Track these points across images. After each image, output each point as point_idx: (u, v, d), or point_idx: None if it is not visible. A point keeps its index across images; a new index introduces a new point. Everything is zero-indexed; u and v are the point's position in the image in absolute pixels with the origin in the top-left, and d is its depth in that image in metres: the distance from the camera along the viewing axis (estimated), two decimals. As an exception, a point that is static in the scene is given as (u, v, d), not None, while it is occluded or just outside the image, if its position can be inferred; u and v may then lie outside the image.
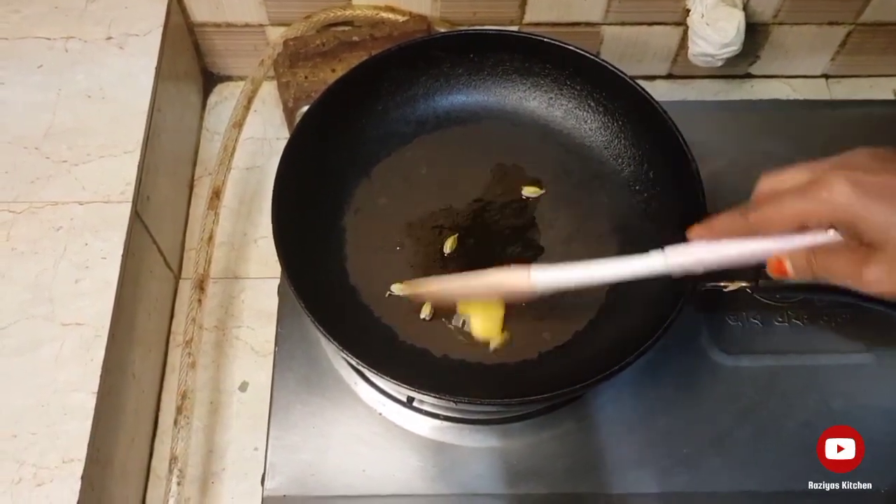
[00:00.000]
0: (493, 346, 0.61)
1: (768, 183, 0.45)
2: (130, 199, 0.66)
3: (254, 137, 0.85)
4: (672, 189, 0.62)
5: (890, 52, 0.88)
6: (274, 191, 0.60)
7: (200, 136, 0.86)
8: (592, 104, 0.68)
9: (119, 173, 0.67)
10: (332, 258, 0.64)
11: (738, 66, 0.88)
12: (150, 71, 0.73)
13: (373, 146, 0.69)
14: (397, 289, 0.63)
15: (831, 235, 0.42)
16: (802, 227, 0.43)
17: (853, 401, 0.63)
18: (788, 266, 0.44)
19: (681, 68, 0.88)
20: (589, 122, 0.69)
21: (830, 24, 0.83)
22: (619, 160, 0.68)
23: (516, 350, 0.61)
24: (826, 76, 0.91)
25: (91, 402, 0.58)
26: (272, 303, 0.69)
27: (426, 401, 0.60)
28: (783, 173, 0.44)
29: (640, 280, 0.62)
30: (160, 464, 0.70)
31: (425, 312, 0.62)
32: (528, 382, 0.59)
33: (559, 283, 0.53)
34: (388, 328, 0.62)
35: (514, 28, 0.82)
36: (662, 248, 0.49)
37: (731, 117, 0.76)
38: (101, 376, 0.59)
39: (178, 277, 0.78)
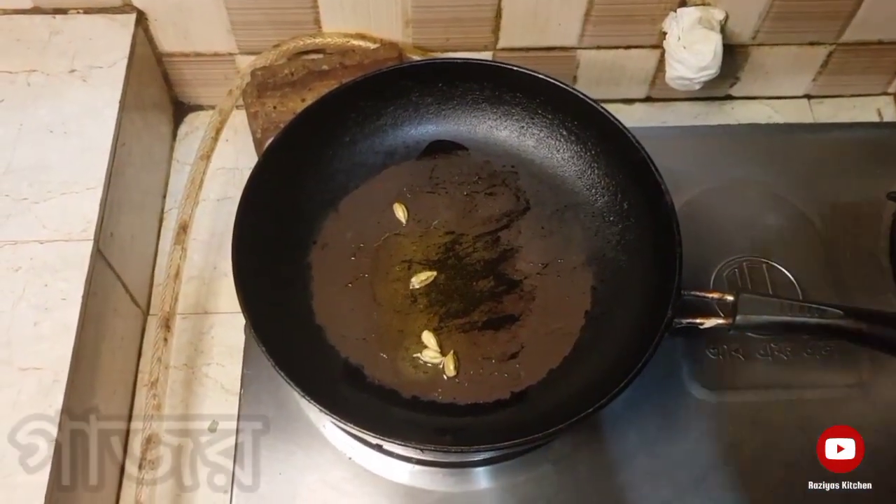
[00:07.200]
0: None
1: None
2: (92, 237, 0.64)
3: (225, 167, 0.83)
4: (646, 221, 0.61)
5: (873, 71, 0.86)
6: (235, 228, 0.58)
7: (171, 168, 0.84)
8: (564, 133, 0.67)
9: (80, 210, 0.65)
10: (297, 297, 0.62)
11: (718, 87, 0.86)
12: (114, 104, 0.71)
13: (340, 178, 0.67)
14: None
15: None
16: None
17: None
18: None
19: (659, 91, 0.86)
20: (561, 151, 0.67)
21: (811, 44, 0.82)
22: (593, 191, 0.66)
23: (489, 389, 0.59)
24: (808, 96, 0.89)
25: (49, 450, 0.56)
26: (242, 338, 0.67)
27: (394, 450, 0.58)
28: None
29: (616, 312, 0.61)
30: (128, 510, 0.68)
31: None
32: (501, 424, 0.57)
33: None
34: (356, 369, 0.60)
35: (489, 54, 0.81)
36: None
37: (708, 143, 0.75)
38: (60, 422, 0.57)
39: (146, 314, 0.76)
